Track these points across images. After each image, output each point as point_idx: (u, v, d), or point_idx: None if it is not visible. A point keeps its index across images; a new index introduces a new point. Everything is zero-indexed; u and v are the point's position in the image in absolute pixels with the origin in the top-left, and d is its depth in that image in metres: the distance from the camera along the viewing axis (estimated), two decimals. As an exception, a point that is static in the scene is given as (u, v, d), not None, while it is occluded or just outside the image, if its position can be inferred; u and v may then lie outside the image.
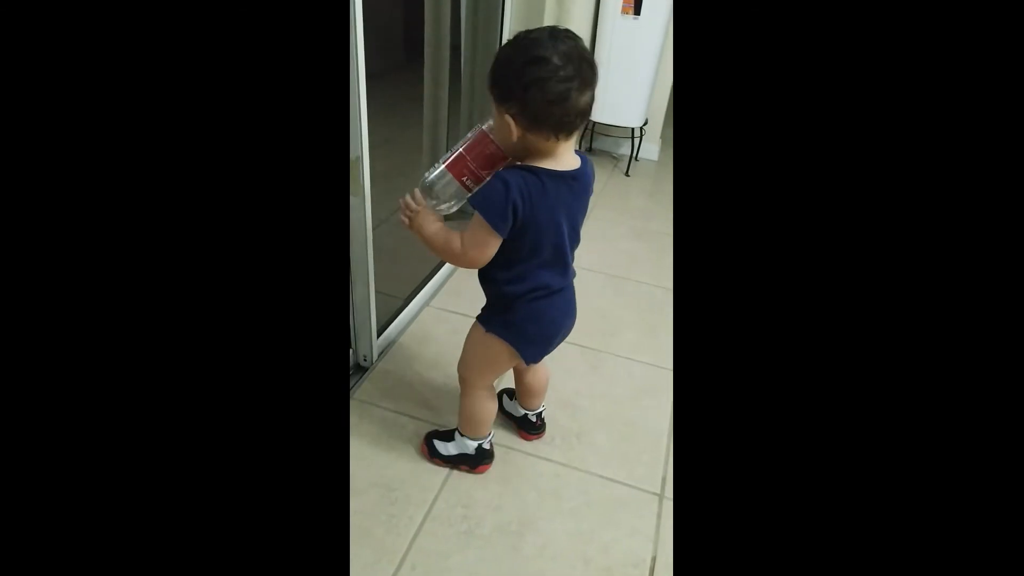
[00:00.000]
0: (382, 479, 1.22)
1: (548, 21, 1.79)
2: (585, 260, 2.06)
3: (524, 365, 1.16)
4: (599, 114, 2.74)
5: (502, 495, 1.21)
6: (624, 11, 2.46)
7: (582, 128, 0.93)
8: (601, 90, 2.97)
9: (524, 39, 0.88)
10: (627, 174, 2.87)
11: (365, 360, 1.50)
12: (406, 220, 1.01)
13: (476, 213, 0.93)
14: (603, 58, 2.60)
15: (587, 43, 2.59)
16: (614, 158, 3.06)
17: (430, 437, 1.28)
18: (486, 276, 1.07)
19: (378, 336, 1.51)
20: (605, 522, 1.17)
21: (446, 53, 1.82)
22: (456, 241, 0.98)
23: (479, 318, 1.13)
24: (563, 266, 1.04)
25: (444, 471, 1.25)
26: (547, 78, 0.84)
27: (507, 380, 1.38)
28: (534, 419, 1.34)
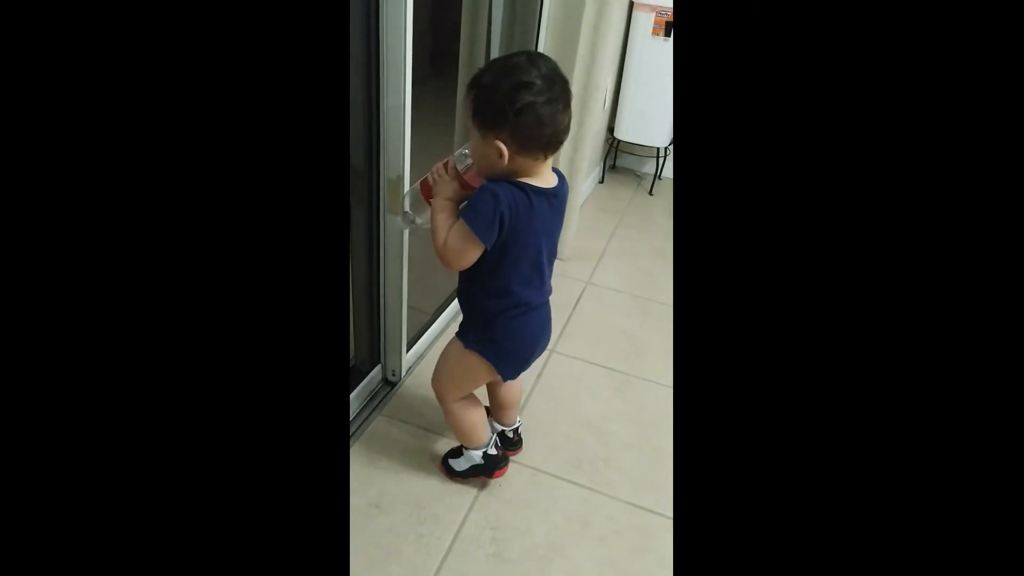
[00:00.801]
0: (411, 497, 1.22)
1: (584, 40, 1.80)
2: (608, 280, 2.07)
3: (501, 381, 1.17)
4: (625, 132, 2.75)
5: (530, 518, 1.21)
6: (655, 33, 2.48)
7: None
8: (628, 109, 2.93)
9: (505, 65, 0.92)
10: (651, 193, 2.88)
11: (394, 375, 1.50)
12: (429, 184, 1.02)
13: (462, 220, 0.95)
14: (631, 78, 2.61)
15: (616, 63, 2.62)
16: (638, 176, 3.07)
17: (446, 458, 1.29)
18: (466, 291, 1.09)
19: (407, 351, 1.52)
20: (633, 550, 1.17)
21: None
22: (440, 238, 0.98)
23: (458, 334, 1.15)
24: (541, 282, 1.07)
25: (472, 490, 1.25)
26: (537, 102, 0.88)
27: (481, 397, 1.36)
28: (511, 435, 1.34)
